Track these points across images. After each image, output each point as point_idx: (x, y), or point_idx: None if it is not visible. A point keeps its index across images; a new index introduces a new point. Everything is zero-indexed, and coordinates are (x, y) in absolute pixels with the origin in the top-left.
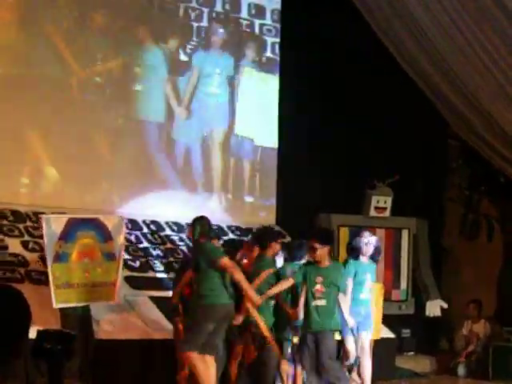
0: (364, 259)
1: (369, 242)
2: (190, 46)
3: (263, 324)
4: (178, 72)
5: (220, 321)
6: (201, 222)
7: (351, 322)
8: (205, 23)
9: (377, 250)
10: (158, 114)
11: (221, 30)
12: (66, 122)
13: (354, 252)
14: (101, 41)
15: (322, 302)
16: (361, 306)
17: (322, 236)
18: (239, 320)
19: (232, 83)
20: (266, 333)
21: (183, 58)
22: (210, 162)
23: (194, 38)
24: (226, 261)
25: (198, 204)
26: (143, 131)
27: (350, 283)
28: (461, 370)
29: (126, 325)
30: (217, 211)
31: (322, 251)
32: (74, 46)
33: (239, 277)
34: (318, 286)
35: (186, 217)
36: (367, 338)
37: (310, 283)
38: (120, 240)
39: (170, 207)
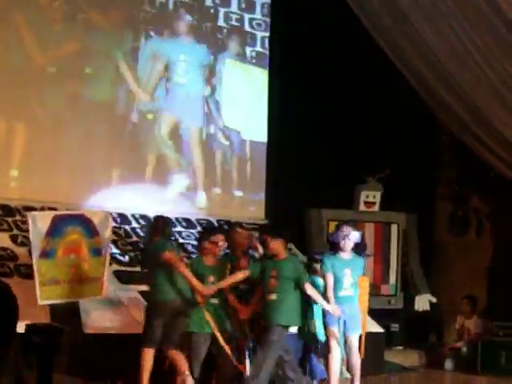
0: (344, 254)
1: (347, 236)
2: (153, 33)
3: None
4: (140, 58)
5: (169, 317)
6: (152, 222)
7: (334, 310)
8: (170, 9)
9: (359, 245)
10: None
11: (187, 17)
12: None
13: (333, 247)
14: (61, 26)
15: (273, 297)
16: (342, 303)
17: (274, 229)
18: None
19: (208, 74)
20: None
21: (146, 44)
22: (185, 153)
23: (159, 24)
24: (167, 255)
25: (176, 198)
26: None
27: (328, 279)
28: (448, 364)
29: (114, 319)
30: (203, 206)
31: (275, 244)
32: (36, 32)
33: (183, 270)
34: (271, 280)
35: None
36: (355, 339)
37: (266, 277)
38: (106, 235)
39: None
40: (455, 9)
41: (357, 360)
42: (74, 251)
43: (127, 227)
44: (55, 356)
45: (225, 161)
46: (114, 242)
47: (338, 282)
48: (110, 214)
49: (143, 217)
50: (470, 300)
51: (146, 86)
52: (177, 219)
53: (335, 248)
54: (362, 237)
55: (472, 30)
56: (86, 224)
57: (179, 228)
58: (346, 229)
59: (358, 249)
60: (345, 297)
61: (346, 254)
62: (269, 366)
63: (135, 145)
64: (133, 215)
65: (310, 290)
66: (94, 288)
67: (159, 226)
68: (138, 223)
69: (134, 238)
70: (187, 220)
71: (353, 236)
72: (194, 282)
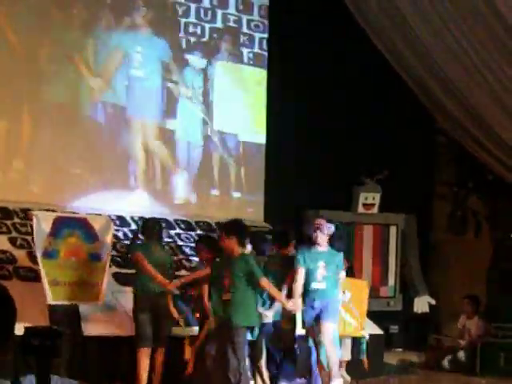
0: (319, 247)
1: (319, 228)
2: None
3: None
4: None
5: (150, 311)
6: (143, 224)
7: (292, 305)
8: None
9: (333, 237)
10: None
11: (143, 9)
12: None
13: (309, 241)
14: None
15: (228, 296)
16: (314, 295)
17: (228, 226)
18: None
19: (165, 69)
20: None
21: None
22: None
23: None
24: (135, 256)
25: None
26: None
27: (298, 273)
28: (445, 364)
29: (113, 321)
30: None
31: (229, 242)
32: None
33: (146, 268)
34: (225, 279)
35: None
36: (330, 328)
37: (220, 276)
38: (107, 241)
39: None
40: (453, 10)
41: (332, 353)
42: (74, 254)
43: (126, 229)
44: (54, 359)
45: (222, 162)
46: (113, 244)
47: (310, 275)
48: (111, 218)
49: (142, 219)
50: (471, 300)
51: (104, 77)
52: (176, 221)
53: (310, 242)
54: (341, 232)
55: (470, 33)
56: (86, 228)
57: (178, 230)
58: (318, 221)
59: (338, 244)
60: (317, 290)
61: (322, 247)
62: (245, 366)
63: (105, 146)
64: (132, 217)
65: (266, 285)
66: (92, 293)
67: (146, 227)
68: (136, 225)
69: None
70: (185, 222)
71: (326, 228)
72: (159, 278)
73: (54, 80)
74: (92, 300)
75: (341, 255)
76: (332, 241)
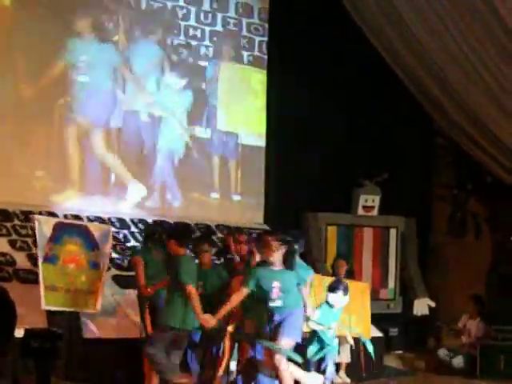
0: (273, 266)
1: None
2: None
3: None
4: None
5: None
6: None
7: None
8: None
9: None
10: None
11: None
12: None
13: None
14: None
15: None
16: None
17: (173, 230)
18: None
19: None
20: None
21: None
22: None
23: None
24: (134, 259)
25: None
26: None
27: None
28: (457, 361)
29: (113, 324)
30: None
31: (170, 244)
32: None
33: (138, 274)
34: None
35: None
36: (282, 344)
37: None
38: (106, 249)
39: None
40: (450, 8)
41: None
42: (73, 261)
43: (126, 231)
44: (53, 360)
45: (222, 165)
46: (113, 247)
47: (266, 294)
48: (111, 225)
49: (141, 221)
50: (476, 300)
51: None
52: (176, 224)
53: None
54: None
55: (468, 31)
56: (86, 236)
57: None
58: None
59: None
60: (273, 307)
61: (276, 266)
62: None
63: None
64: (131, 220)
65: (190, 292)
66: (89, 301)
67: (148, 231)
68: (137, 228)
69: (133, 243)
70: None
71: (277, 247)
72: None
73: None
74: (89, 308)
75: (291, 273)
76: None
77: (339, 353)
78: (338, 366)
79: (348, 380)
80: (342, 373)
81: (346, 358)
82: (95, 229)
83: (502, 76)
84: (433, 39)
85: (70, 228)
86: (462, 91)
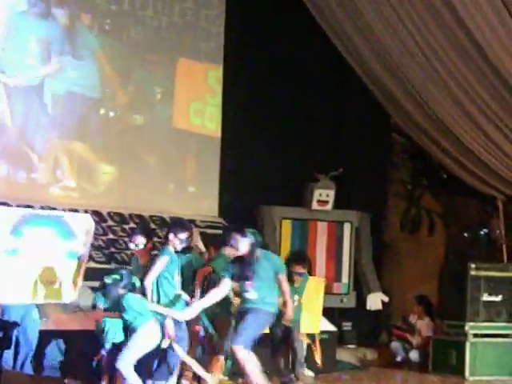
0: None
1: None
2: None
3: None
4: None
5: None
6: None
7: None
8: None
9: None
10: None
11: None
12: None
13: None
14: None
15: None
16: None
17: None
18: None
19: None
20: None
21: None
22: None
23: None
24: None
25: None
26: None
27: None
28: (413, 356)
29: (72, 316)
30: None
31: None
32: None
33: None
34: None
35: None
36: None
37: None
38: (85, 240)
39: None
40: (408, 4)
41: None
42: (43, 251)
43: (104, 225)
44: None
45: (178, 157)
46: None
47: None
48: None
49: (95, 213)
50: (420, 301)
51: None
52: (130, 216)
53: None
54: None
55: (426, 30)
56: (62, 226)
57: (132, 225)
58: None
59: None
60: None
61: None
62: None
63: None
64: (108, 213)
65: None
66: (59, 292)
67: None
68: (113, 221)
69: (110, 236)
70: (140, 217)
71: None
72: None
73: None
74: (57, 299)
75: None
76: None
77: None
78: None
79: (312, 373)
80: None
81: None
82: (73, 219)
83: (458, 73)
84: (389, 34)
85: (39, 218)
86: (419, 88)
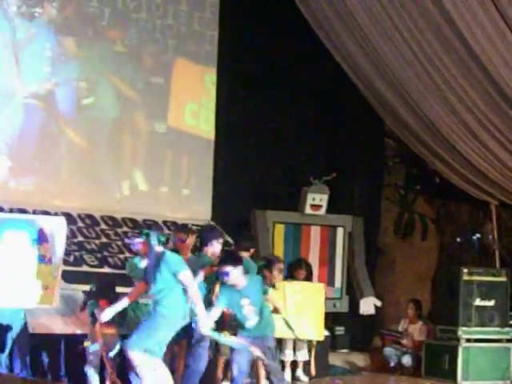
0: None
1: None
2: None
3: None
4: None
5: None
6: None
7: None
8: None
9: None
10: None
11: None
12: None
13: None
14: None
15: None
16: None
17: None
18: None
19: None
20: None
21: None
22: None
23: None
24: None
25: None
26: None
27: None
28: (406, 360)
29: (59, 319)
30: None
31: None
32: None
33: None
34: None
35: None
36: None
37: None
38: (59, 243)
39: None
40: (402, 10)
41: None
42: (18, 255)
43: (73, 227)
44: None
45: (172, 159)
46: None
47: None
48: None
49: (88, 216)
50: (414, 304)
51: None
52: (123, 219)
53: None
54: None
55: (420, 34)
56: (34, 229)
57: (125, 228)
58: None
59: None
60: None
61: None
62: None
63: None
64: (79, 215)
65: None
66: (41, 296)
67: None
68: (83, 223)
69: (80, 238)
70: (133, 220)
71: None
72: None
73: None
74: (42, 303)
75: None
76: None
77: (295, 351)
78: (295, 365)
79: (306, 379)
80: (300, 371)
81: (303, 356)
82: (46, 222)
83: (454, 81)
84: (385, 42)
85: (12, 221)
86: (414, 95)
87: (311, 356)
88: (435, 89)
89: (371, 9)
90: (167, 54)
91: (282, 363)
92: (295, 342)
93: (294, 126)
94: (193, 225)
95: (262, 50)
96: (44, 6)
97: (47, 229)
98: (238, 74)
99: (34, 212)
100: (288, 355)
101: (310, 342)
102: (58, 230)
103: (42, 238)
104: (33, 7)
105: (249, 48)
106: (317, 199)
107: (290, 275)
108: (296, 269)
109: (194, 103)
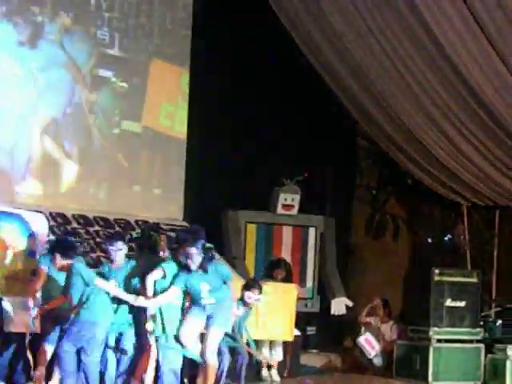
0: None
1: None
2: None
3: None
4: None
5: None
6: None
7: None
8: None
9: None
10: None
11: None
12: None
13: None
14: None
15: None
16: None
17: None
18: None
19: None
20: None
21: None
22: None
23: None
24: None
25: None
26: None
27: None
28: (377, 360)
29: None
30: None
31: None
32: None
33: None
34: None
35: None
36: None
37: None
38: (42, 238)
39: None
40: (377, 15)
41: None
42: (9, 247)
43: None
44: None
45: (146, 159)
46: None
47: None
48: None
49: (59, 215)
50: (384, 303)
51: None
52: (94, 218)
53: None
54: None
55: (393, 37)
56: (23, 223)
57: (97, 227)
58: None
59: None
60: None
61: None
62: None
63: None
64: (50, 213)
65: None
66: (25, 288)
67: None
68: (55, 222)
69: (51, 237)
70: (105, 219)
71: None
72: None
73: None
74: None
75: None
76: None
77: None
78: (270, 365)
79: (278, 378)
80: (274, 371)
81: (278, 356)
82: (30, 217)
83: (428, 84)
84: (359, 43)
85: (3, 214)
86: (388, 98)
87: (286, 356)
88: (408, 90)
89: (345, 11)
90: (144, 53)
91: (259, 364)
92: (271, 342)
93: (266, 126)
94: (165, 224)
95: (236, 49)
96: None
97: (32, 223)
98: (210, 74)
99: None
100: (264, 355)
101: (285, 342)
102: (40, 225)
103: (29, 233)
104: None
105: (222, 49)
106: (289, 199)
107: (269, 275)
108: (274, 268)
109: (170, 103)
